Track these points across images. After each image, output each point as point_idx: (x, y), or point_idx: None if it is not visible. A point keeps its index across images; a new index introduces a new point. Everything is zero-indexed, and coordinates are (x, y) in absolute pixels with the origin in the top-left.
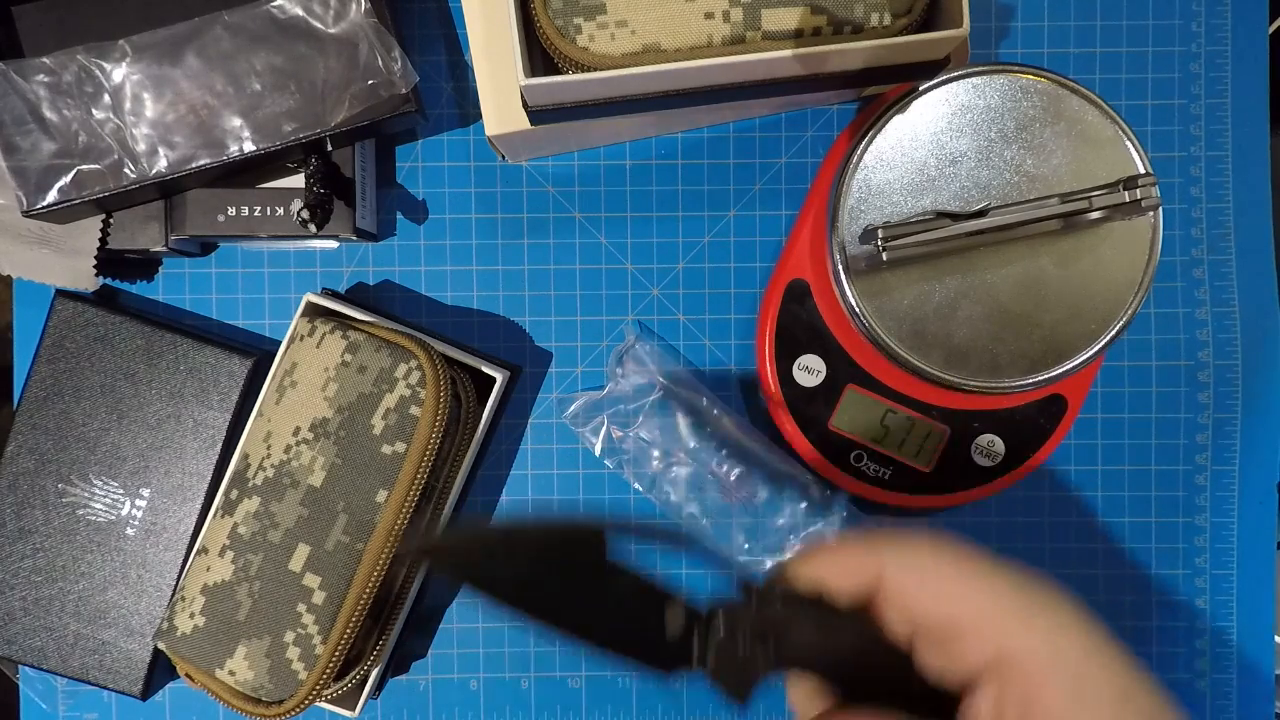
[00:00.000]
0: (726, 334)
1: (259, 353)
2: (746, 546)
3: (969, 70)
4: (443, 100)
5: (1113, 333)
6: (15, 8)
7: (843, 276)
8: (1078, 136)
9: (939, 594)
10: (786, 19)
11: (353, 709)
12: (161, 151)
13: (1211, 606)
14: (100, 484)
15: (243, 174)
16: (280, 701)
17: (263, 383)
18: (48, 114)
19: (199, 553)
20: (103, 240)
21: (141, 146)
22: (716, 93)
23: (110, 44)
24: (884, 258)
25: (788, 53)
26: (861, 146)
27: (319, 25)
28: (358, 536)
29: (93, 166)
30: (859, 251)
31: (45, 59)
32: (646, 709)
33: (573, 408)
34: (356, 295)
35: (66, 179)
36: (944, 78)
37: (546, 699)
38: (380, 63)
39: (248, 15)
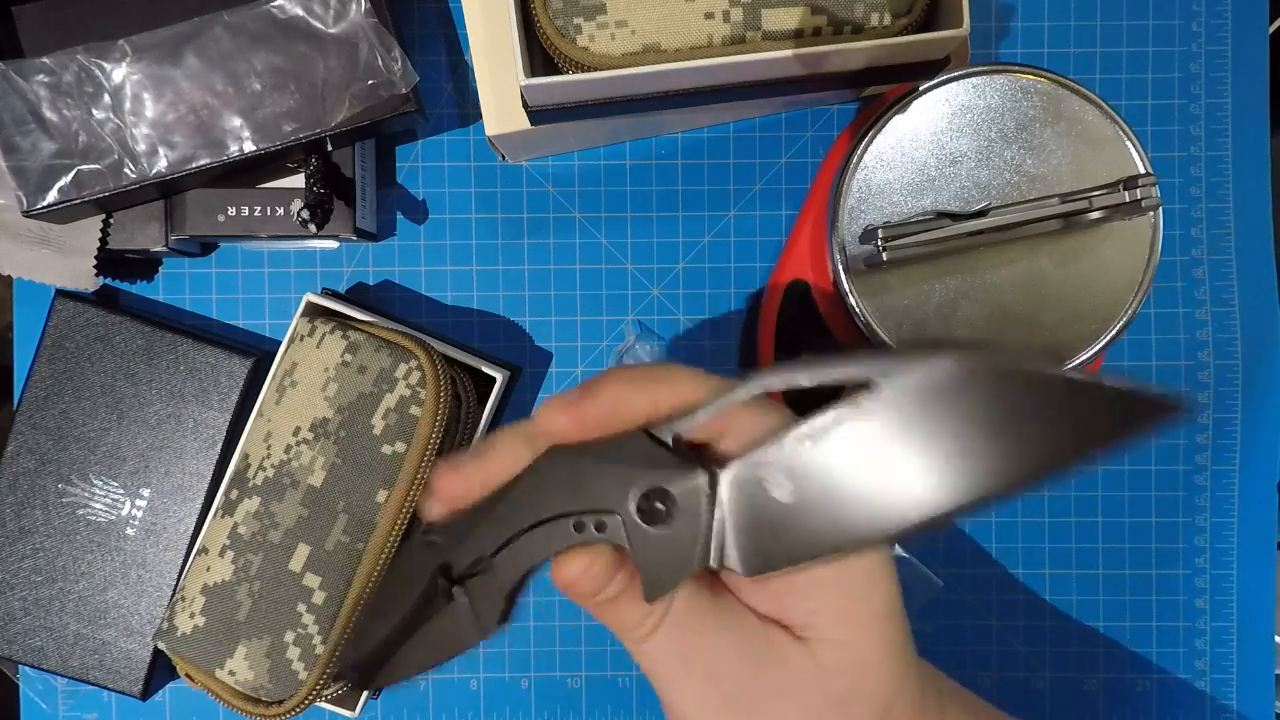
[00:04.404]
0: (726, 334)
1: (259, 353)
2: None
3: (969, 70)
4: (443, 100)
5: (1113, 333)
6: (15, 8)
7: (843, 276)
8: (1078, 136)
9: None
10: (786, 19)
11: (353, 709)
12: (161, 151)
13: (1211, 606)
14: (100, 484)
15: (243, 174)
16: (280, 701)
17: (263, 383)
18: (48, 114)
19: (199, 553)
20: (103, 240)
21: (141, 146)
22: (716, 93)
23: (110, 44)
24: (884, 258)
25: (788, 53)
26: (861, 146)
27: (319, 25)
28: (358, 536)
29: (93, 166)
30: (859, 251)
31: (45, 59)
32: (647, 709)
33: None
34: (356, 295)
35: (66, 179)
36: (944, 78)
37: (546, 699)
38: (380, 63)
39: (248, 15)
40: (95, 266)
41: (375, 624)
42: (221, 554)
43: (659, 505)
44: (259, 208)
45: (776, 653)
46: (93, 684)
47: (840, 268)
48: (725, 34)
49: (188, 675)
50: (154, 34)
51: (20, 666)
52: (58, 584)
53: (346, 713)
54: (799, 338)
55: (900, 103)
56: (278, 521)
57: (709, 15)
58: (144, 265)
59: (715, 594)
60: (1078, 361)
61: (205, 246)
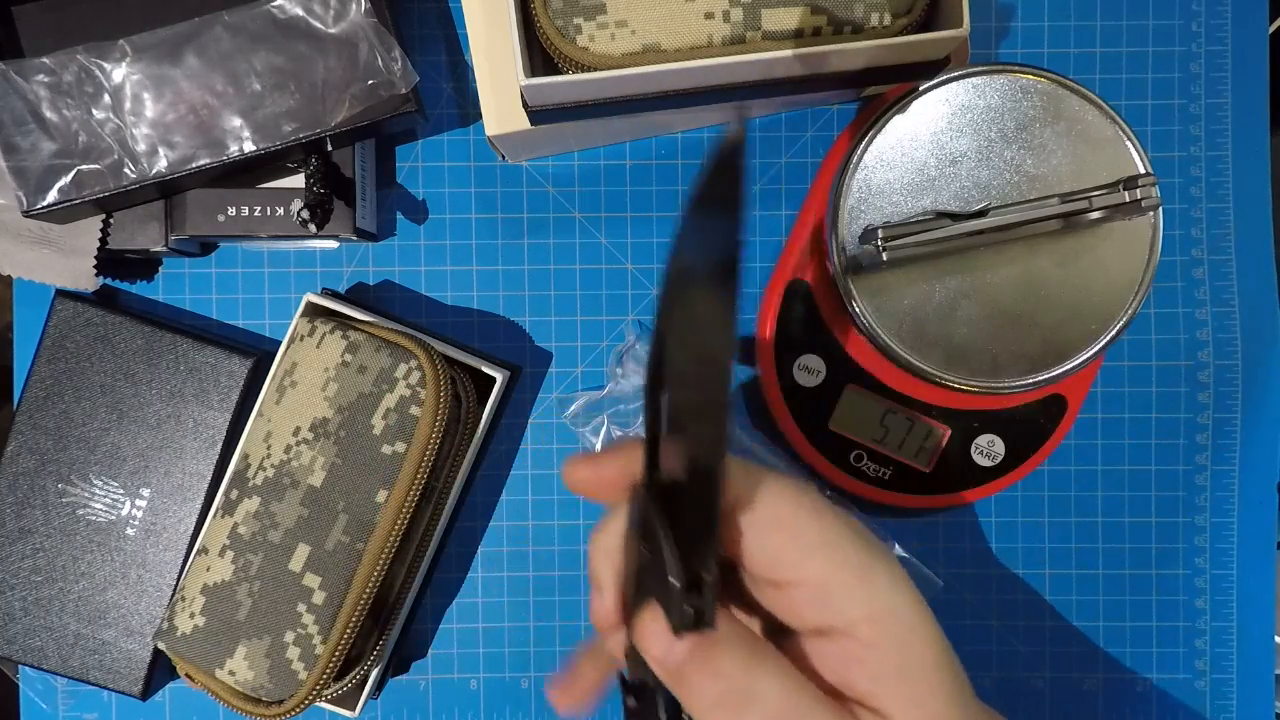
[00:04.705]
0: None
1: (259, 353)
2: None
3: (969, 70)
4: (443, 100)
5: (1113, 333)
6: (15, 8)
7: (843, 276)
8: (1078, 136)
9: (789, 549)
10: (786, 19)
11: (353, 709)
12: (161, 151)
13: (1211, 606)
14: (100, 484)
15: (243, 174)
16: (280, 701)
17: (263, 383)
18: (48, 114)
19: (199, 553)
20: (103, 240)
21: (141, 146)
22: (716, 93)
23: (110, 44)
24: (884, 258)
25: (788, 53)
26: (861, 146)
27: (319, 25)
28: (358, 536)
29: (93, 166)
30: (859, 251)
31: (45, 59)
32: None
33: (573, 408)
34: (356, 295)
35: (66, 179)
36: (944, 78)
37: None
38: (380, 63)
39: (248, 15)
40: (95, 266)
41: None
42: (221, 554)
43: (646, 539)
44: (259, 208)
45: None
46: (93, 684)
47: (840, 268)
48: (725, 34)
49: (188, 675)
50: (154, 34)
51: (20, 666)
52: (58, 584)
53: (346, 713)
54: (799, 338)
55: (900, 103)
56: (278, 521)
57: (709, 15)
58: (144, 265)
59: (809, 685)
60: (1078, 361)
61: (205, 246)
